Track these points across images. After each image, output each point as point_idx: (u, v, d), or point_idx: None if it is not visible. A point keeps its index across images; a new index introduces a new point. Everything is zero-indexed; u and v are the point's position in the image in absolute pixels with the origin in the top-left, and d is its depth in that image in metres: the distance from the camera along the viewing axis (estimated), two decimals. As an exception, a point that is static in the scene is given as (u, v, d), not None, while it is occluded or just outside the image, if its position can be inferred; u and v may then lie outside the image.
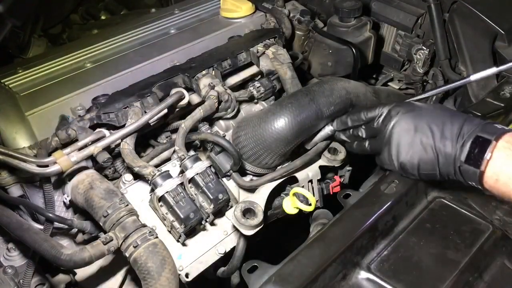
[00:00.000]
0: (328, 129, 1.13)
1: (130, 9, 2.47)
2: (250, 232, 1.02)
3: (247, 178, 1.15)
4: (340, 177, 1.23)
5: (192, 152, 1.15)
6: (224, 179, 1.13)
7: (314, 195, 1.16)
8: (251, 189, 1.14)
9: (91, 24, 2.40)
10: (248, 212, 1.04)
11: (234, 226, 1.06)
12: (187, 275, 1.00)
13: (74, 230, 1.09)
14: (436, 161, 0.90)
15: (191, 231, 1.04)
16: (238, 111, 1.24)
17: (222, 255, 1.05)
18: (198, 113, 1.11)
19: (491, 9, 1.41)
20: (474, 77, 1.03)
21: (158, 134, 1.19)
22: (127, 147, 1.03)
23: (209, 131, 1.14)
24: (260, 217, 1.02)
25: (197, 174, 1.00)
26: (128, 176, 1.09)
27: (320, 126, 1.13)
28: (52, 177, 0.99)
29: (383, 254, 0.92)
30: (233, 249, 1.08)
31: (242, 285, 0.89)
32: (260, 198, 1.08)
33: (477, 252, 0.91)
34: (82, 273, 1.08)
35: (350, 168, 1.26)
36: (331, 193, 1.20)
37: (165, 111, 1.08)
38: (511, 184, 0.80)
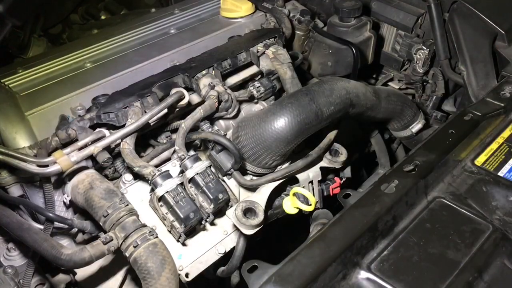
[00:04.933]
0: None
1: (130, 9, 2.47)
2: (250, 232, 1.02)
3: (248, 178, 1.15)
4: (341, 178, 1.23)
5: (192, 152, 1.15)
6: (225, 178, 1.13)
7: (314, 196, 1.16)
8: (252, 189, 1.14)
9: (91, 24, 2.40)
10: (249, 211, 1.04)
11: (234, 226, 1.06)
12: (187, 275, 1.00)
13: (74, 230, 1.09)
14: None
15: (191, 231, 1.04)
16: (238, 111, 1.24)
17: (222, 255, 1.06)
18: (198, 113, 1.11)
19: (491, 9, 1.41)
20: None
21: (158, 134, 1.19)
22: (127, 147, 1.03)
23: (210, 129, 1.14)
24: (260, 216, 1.02)
25: (197, 174, 1.00)
26: (128, 176, 1.09)
27: (320, 126, 1.13)
28: (52, 177, 0.99)
29: (383, 254, 0.92)
30: (233, 249, 1.08)
31: (242, 285, 0.88)
32: (260, 197, 1.08)
33: (477, 252, 0.91)
34: (82, 273, 1.09)
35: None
36: (331, 194, 1.20)
37: (165, 111, 1.08)
38: None
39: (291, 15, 1.59)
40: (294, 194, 1.08)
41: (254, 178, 1.15)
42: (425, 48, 1.47)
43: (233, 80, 1.28)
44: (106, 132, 1.05)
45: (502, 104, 1.19)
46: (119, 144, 1.05)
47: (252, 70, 1.31)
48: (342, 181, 1.22)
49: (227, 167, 1.10)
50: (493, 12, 1.40)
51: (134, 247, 0.87)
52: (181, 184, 1.00)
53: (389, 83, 1.68)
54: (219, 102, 1.16)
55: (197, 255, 1.03)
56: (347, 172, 1.24)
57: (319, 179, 1.20)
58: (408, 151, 1.21)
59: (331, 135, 1.20)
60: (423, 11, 1.49)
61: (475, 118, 1.16)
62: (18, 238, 0.91)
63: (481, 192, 1.01)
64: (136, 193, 1.06)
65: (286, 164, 1.17)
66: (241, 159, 1.08)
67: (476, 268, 0.90)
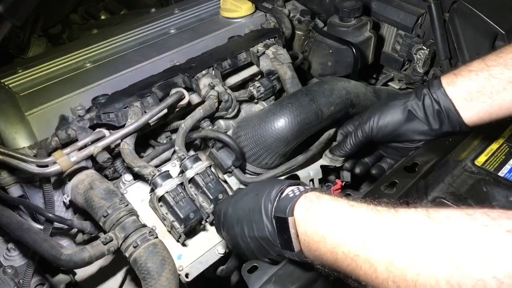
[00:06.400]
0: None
1: (130, 9, 2.46)
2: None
3: (248, 175, 1.15)
4: (342, 181, 1.23)
5: (192, 152, 1.14)
6: (225, 176, 1.12)
7: None
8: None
9: (91, 24, 2.39)
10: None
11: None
12: (187, 275, 1.00)
13: (74, 230, 1.09)
14: (263, 247, 0.83)
15: (191, 231, 1.04)
16: (238, 111, 1.24)
17: (222, 255, 1.05)
18: (198, 113, 1.11)
19: (491, 9, 1.41)
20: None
21: (158, 134, 1.19)
22: (127, 147, 1.03)
23: (210, 127, 1.14)
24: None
25: (197, 174, 1.00)
26: (128, 176, 1.09)
27: (320, 126, 1.13)
28: (52, 177, 0.99)
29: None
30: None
31: (242, 285, 0.88)
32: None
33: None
34: (82, 273, 1.09)
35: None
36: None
37: (165, 111, 1.08)
38: (321, 255, 0.73)
39: (291, 15, 1.59)
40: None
41: (255, 176, 1.15)
42: (425, 48, 1.47)
43: (233, 80, 1.28)
44: (106, 132, 1.05)
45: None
46: (119, 144, 1.04)
47: (252, 70, 1.31)
48: (343, 183, 1.22)
49: (228, 164, 1.10)
50: (494, 12, 1.40)
51: (134, 247, 0.87)
52: (181, 184, 1.00)
53: (389, 83, 1.68)
54: (219, 102, 1.16)
55: (197, 255, 1.03)
56: (347, 176, 1.23)
57: (319, 177, 1.20)
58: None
59: (331, 131, 1.20)
60: (423, 11, 1.49)
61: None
62: (18, 238, 0.91)
63: (481, 193, 1.01)
64: (136, 193, 1.06)
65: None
66: (242, 156, 1.08)
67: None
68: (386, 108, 1.06)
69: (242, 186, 1.14)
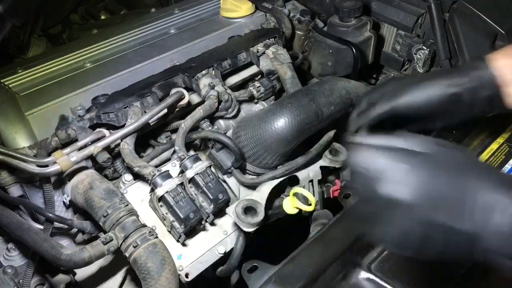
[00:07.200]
0: None
1: (130, 9, 2.46)
2: (249, 229, 1.01)
3: (248, 176, 1.15)
4: (341, 181, 1.23)
5: (192, 152, 1.14)
6: (225, 176, 1.12)
7: (314, 196, 1.16)
8: (252, 187, 1.13)
9: (91, 24, 2.39)
10: (249, 210, 1.03)
11: (234, 226, 1.06)
12: (187, 275, 1.00)
13: (74, 230, 1.09)
14: None
15: (191, 231, 1.04)
16: (238, 111, 1.24)
17: (222, 255, 1.05)
18: (198, 113, 1.11)
19: (491, 9, 1.41)
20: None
21: (158, 134, 1.19)
22: (127, 147, 1.03)
23: (210, 128, 1.14)
24: (261, 215, 1.01)
25: (197, 174, 1.00)
26: (128, 176, 1.09)
27: (320, 126, 1.13)
28: (52, 177, 0.99)
29: (383, 254, 0.92)
30: (233, 249, 1.08)
31: (241, 285, 0.89)
32: (261, 196, 1.08)
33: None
34: (82, 273, 1.09)
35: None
36: (332, 196, 1.19)
37: (165, 111, 1.08)
38: None
39: (291, 15, 1.59)
40: (294, 194, 1.07)
41: (254, 176, 1.15)
42: (425, 48, 1.47)
43: (233, 80, 1.28)
44: (106, 132, 1.05)
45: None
46: (119, 144, 1.04)
47: (252, 70, 1.31)
48: (343, 184, 1.22)
49: (227, 165, 1.10)
50: (493, 12, 1.40)
51: (134, 247, 0.87)
52: (181, 184, 0.99)
53: (389, 83, 1.68)
54: (219, 102, 1.16)
55: (197, 255, 1.03)
56: (347, 174, 1.23)
57: (319, 178, 1.20)
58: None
59: (331, 133, 1.20)
60: (423, 11, 1.49)
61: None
62: (18, 238, 0.91)
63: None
64: (136, 193, 1.06)
65: (287, 163, 1.17)
66: (242, 157, 1.08)
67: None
68: (423, 85, 0.89)
69: (241, 187, 1.14)
